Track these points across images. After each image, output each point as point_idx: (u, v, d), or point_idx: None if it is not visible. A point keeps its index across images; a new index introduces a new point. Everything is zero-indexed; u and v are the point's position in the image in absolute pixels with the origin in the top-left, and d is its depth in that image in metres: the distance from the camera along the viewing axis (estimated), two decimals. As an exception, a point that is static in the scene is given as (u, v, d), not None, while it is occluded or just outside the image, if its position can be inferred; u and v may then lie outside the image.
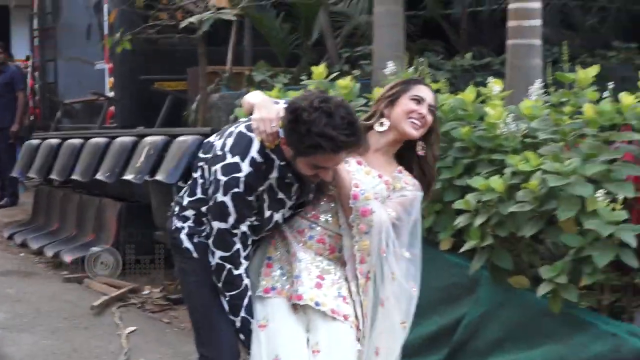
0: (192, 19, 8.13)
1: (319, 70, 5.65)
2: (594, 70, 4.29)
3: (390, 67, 5.45)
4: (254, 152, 3.22)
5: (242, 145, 3.24)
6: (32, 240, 9.41)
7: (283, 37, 9.94)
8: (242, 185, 3.19)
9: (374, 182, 3.43)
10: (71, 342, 6.09)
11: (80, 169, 8.68)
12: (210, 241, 3.31)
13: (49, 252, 8.71)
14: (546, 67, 4.99)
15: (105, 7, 9.98)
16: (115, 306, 6.97)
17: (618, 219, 3.73)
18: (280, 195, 3.32)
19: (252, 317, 3.33)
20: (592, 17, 11.02)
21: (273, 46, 9.62)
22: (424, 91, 3.53)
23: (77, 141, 9.17)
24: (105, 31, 9.94)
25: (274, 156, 3.24)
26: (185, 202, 3.43)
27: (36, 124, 12.73)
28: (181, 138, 7.11)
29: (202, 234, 3.38)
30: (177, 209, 3.47)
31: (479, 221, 4.14)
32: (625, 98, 4.06)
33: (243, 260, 3.29)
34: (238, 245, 3.28)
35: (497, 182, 4.08)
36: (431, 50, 9.69)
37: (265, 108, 3.27)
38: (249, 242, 3.32)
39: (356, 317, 3.36)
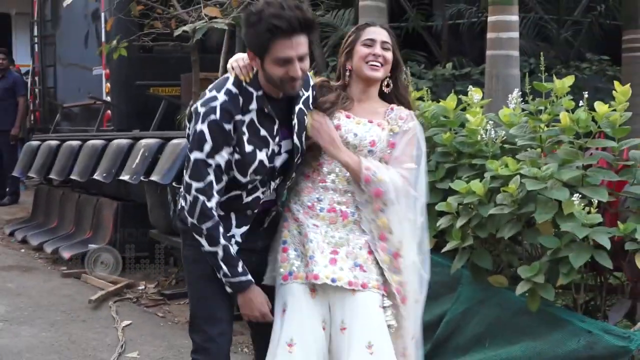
0: (186, 28, 8.08)
1: (308, 77, 5.62)
2: (569, 80, 4.28)
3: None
4: (229, 84, 3.25)
5: (218, 83, 3.30)
6: (32, 237, 9.35)
7: (273, 46, 9.89)
8: (218, 112, 3.18)
9: (366, 128, 3.43)
10: (69, 334, 6.06)
11: (79, 169, 8.67)
12: (186, 175, 3.26)
13: (49, 249, 8.65)
14: (524, 77, 4.99)
15: (103, 16, 9.95)
16: (111, 300, 6.94)
17: (593, 221, 3.73)
18: (263, 132, 3.27)
19: (230, 244, 3.27)
20: (567, 30, 11.07)
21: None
22: (373, 33, 3.50)
23: (75, 143, 9.16)
24: (103, 38, 9.91)
25: (251, 89, 3.25)
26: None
27: (36, 127, 12.66)
28: (175, 141, 7.12)
29: None
30: (182, 189, 3.42)
31: (460, 223, 4.12)
32: (600, 107, 4.05)
33: (215, 194, 3.24)
34: (211, 178, 3.22)
35: (477, 186, 4.06)
36: (414, 60, 9.69)
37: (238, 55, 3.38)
38: (223, 178, 3.25)
39: (378, 278, 3.33)
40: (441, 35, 10.69)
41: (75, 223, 9.22)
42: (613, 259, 3.75)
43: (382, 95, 3.58)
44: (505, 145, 4.39)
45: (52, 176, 9.45)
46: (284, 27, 3.06)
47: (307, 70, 3.29)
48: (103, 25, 9.88)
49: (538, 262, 3.86)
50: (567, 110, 4.13)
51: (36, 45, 12.48)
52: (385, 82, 3.54)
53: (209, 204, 3.23)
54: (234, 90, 3.24)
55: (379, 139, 3.43)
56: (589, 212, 3.73)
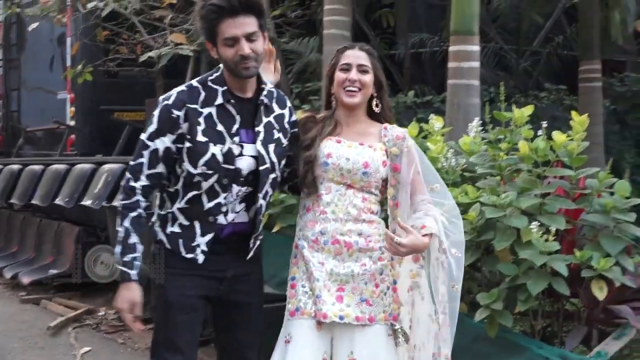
0: (151, 54, 8.07)
1: (272, 104, 5.62)
2: (528, 110, 4.32)
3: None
4: (194, 81, 3.32)
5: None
6: (-9, 263, 9.20)
7: (237, 72, 9.89)
8: (172, 99, 3.24)
9: (357, 151, 3.36)
10: (27, 361, 5.96)
11: (40, 193, 8.55)
12: None
13: (8, 274, 8.53)
14: (484, 105, 5.02)
15: (68, 40, 9.87)
16: (71, 327, 6.84)
17: (550, 249, 3.75)
18: (220, 127, 3.24)
19: (136, 234, 3.24)
20: (526, 60, 11.20)
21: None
22: (350, 57, 3.43)
23: (37, 167, 9.04)
24: (68, 63, 9.83)
25: (215, 85, 3.28)
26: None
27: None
28: (138, 166, 7.02)
29: (167, 221, 3.31)
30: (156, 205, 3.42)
31: (421, 249, 4.11)
32: (558, 136, 4.09)
33: (143, 177, 3.24)
34: (144, 160, 3.24)
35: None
36: (376, 87, 9.71)
37: None
38: (158, 166, 3.23)
39: (385, 309, 3.33)
40: (404, 63, 10.76)
41: (35, 248, 9.09)
42: (570, 285, 3.78)
43: (371, 114, 3.50)
44: (466, 173, 4.41)
45: (13, 200, 9.32)
46: (224, 5, 3.13)
47: (261, 52, 3.24)
48: (69, 50, 9.81)
49: (497, 288, 3.87)
50: (526, 139, 4.16)
51: (1, 68, 12.35)
52: (375, 103, 3.46)
53: (132, 184, 3.25)
54: (196, 84, 3.29)
55: (372, 160, 3.34)
56: (546, 240, 3.76)
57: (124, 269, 3.24)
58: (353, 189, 3.35)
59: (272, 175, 3.35)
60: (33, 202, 8.75)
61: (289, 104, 3.50)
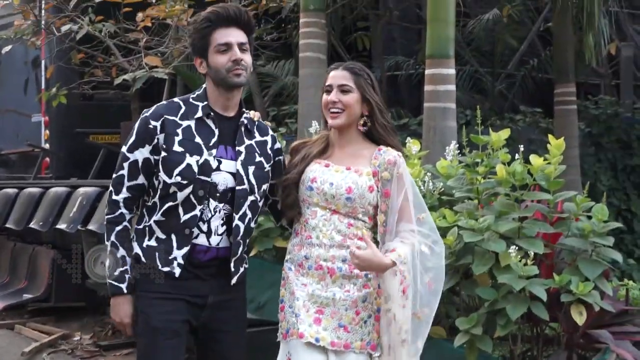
0: (126, 76, 8.02)
1: (248, 127, 5.59)
2: (505, 133, 4.31)
3: (315, 125, 5.43)
4: (176, 98, 3.39)
5: None
6: (-36, 287, 9.05)
7: (213, 95, 9.88)
8: (150, 111, 3.30)
9: (342, 176, 3.28)
10: (0, 388, 5.85)
11: (15, 217, 8.43)
12: None
13: (-19, 299, 8.38)
14: (460, 128, 5.01)
15: (43, 63, 9.81)
16: (45, 352, 6.73)
17: (529, 273, 3.74)
18: (198, 139, 3.26)
19: (122, 247, 3.28)
20: (501, 83, 11.26)
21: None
22: (331, 77, 3.35)
23: (12, 190, 8.92)
24: (42, 86, 9.77)
25: (197, 102, 3.32)
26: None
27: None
28: (114, 190, 6.96)
29: (145, 235, 3.30)
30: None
31: (399, 274, 4.08)
32: (535, 160, 4.08)
33: (125, 190, 3.29)
34: (124, 172, 3.28)
35: (416, 237, 4.04)
36: (352, 110, 9.71)
37: None
38: (139, 177, 3.28)
39: (364, 338, 3.25)
40: (380, 86, 10.77)
41: (10, 272, 8.95)
42: (549, 310, 3.77)
43: (369, 134, 3.38)
44: (443, 197, 4.39)
45: (-14, 224, 9.20)
46: (221, 12, 3.26)
47: (250, 65, 3.32)
48: (43, 73, 9.75)
49: (476, 313, 3.85)
50: (503, 163, 4.15)
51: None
52: (362, 122, 3.35)
53: (114, 197, 3.30)
54: (177, 100, 3.36)
55: (356, 185, 3.25)
56: (525, 264, 3.74)
57: (114, 283, 3.28)
58: (338, 214, 3.28)
59: (251, 198, 3.33)
60: (7, 225, 8.64)
61: (271, 132, 3.53)
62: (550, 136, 4.20)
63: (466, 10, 10.15)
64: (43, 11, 9.08)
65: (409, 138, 4.76)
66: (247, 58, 3.30)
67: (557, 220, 4.10)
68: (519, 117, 10.07)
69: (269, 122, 3.59)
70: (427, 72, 6.25)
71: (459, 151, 4.53)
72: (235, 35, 3.28)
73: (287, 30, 9.93)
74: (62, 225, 7.35)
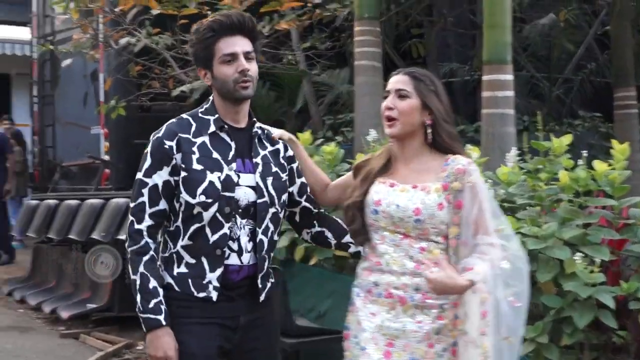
0: (183, 88, 8.10)
1: (305, 136, 5.62)
2: (567, 139, 4.27)
3: (373, 134, 5.42)
4: (185, 114, 3.21)
5: None
6: (30, 297, 9.22)
7: (269, 104, 9.96)
8: (162, 131, 3.12)
9: (408, 196, 2.98)
10: (66, 397, 5.94)
11: (77, 228, 8.59)
12: None
13: (47, 308, 8.54)
14: (519, 134, 4.96)
15: (101, 76, 9.95)
16: (109, 361, 6.82)
17: (595, 281, 3.68)
18: (215, 155, 3.10)
19: (153, 278, 3.02)
20: (558, 88, 11.13)
21: (259, 113, 9.48)
22: (391, 82, 3.09)
23: (74, 202, 9.09)
24: (101, 98, 9.90)
25: (207, 116, 3.16)
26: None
27: (35, 185, 12.64)
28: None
29: (173, 263, 3.12)
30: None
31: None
32: (599, 166, 4.03)
33: (147, 217, 3.07)
34: (144, 199, 3.07)
35: (478, 245, 4.00)
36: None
37: None
38: (161, 202, 3.07)
39: None
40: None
41: (73, 282, 9.10)
42: (617, 318, 3.70)
43: (435, 144, 3.06)
44: (505, 204, 4.34)
45: (50, 235, 9.36)
46: (225, 21, 3.09)
47: (256, 75, 3.15)
48: (102, 85, 9.88)
49: (541, 321, 3.79)
50: (566, 169, 4.10)
51: (35, 104, 12.49)
52: (427, 131, 3.03)
53: (137, 226, 3.08)
54: (186, 117, 3.19)
55: (424, 205, 2.95)
56: (591, 271, 3.68)
57: (150, 316, 3.03)
58: (409, 238, 2.98)
59: (272, 210, 3.19)
60: (70, 236, 8.79)
61: (274, 133, 3.34)
62: (613, 141, 4.14)
63: (522, 15, 10.06)
64: (101, 25, 9.21)
65: (467, 145, 4.73)
66: (254, 67, 3.14)
67: (622, 227, 4.03)
68: (578, 122, 9.96)
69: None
70: (484, 78, 6.19)
71: (519, 157, 4.48)
72: (241, 44, 3.11)
73: (341, 39, 9.94)
74: (123, 236, 7.45)
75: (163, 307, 3.04)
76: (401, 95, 3.02)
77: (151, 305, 3.03)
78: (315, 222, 3.39)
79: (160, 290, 3.05)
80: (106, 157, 9.99)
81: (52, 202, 9.74)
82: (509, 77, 6.15)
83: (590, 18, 11.21)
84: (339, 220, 3.38)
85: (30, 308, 9.03)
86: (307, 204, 3.38)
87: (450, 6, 11.04)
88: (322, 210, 3.44)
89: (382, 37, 8.18)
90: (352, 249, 3.35)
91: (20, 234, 10.54)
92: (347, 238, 3.31)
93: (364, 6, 7.51)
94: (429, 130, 3.03)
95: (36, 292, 9.41)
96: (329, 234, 3.39)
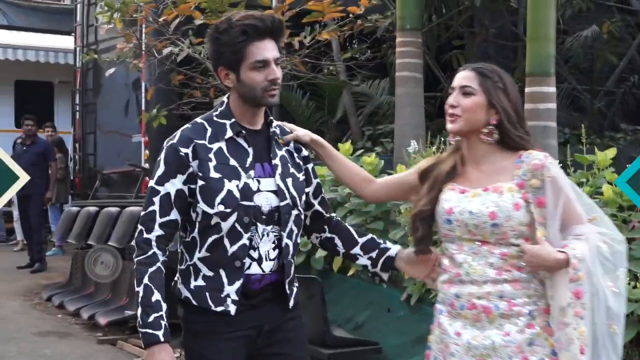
0: (224, 98, 8.13)
1: (346, 147, 5.64)
2: (611, 152, 4.22)
3: (414, 145, 5.41)
4: (198, 118, 3.08)
5: None
6: (69, 302, 9.30)
7: (309, 114, 10.00)
8: (177, 137, 2.98)
9: (481, 200, 2.82)
10: (104, 403, 5.97)
11: (117, 235, 8.66)
12: None
13: (85, 314, 8.61)
14: (563, 147, 4.91)
15: (144, 85, 10.04)
16: (146, 368, 6.84)
17: (638, 296, 3.62)
18: (233, 162, 2.97)
19: (157, 291, 2.88)
20: (600, 100, 11.03)
21: (299, 123, 9.60)
22: (456, 78, 2.93)
23: (114, 209, 9.18)
24: (143, 107, 9.99)
25: (222, 120, 3.02)
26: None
27: (75, 192, 12.78)
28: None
29: (190, 275, 3.01)
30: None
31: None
32: (643, 180, 3.96)
33: (157, 227, 2.94)
34: (155, 207, 2.94)
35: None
36: (448, 129, 9.66)
37: None
38: (172, 212, 2.94)
39: None
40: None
41: (111, 289, 9.18)
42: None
43: (504, 142, 2.89)
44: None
45: (90, 242, 9.45)
46: (259, 25, 2.94)
47: (281, 78, 3.03)
48: (143, 94, 9.97)
49: (583, 337, 3.73)
50: (610, 183, 4.05)
51: (77, 112, 12.64)
52: (486, 130, 2.87)
53: (145, 236, 2.96)
54: (200, 121, 3.05)
55: (499, 207, 2.78)
56: (634, 287, 3.63)
57: (149, 330, 2.89)
58: (488, 244, 2.82)
59: (295, 212, 3.07)
60: (110, 243, 8.87)
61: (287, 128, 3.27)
62: (658, 155, 4.09)
63: (564, 27, 9.99)
64: (144, 35, 9.31)
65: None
66: (280, 73, 3.01)
67: (666, 242, 3.97)
68: (620, 135, 9.85)
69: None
70: (527, 90, 6.16)
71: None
72: (271, 50, 2.96)
73: (381, 50, 9.94)
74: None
75: (163, 322, 2.91)
76: (465, 92, 2.88)
77: (151, 319, 2.90)
78: (326, 227, 3.28)
79: (164, 305, 2.92)
80: (147, 165, 10.08)
81: (92, 209, 9.84)
82: (552, 89, 6.13)
83: (634, 30, 11.11)
84: (352, 230, 3.29)
85: (68, 314, 9.10)
86: (319, 208, 3.26)
87: (491, 18, 11.00)
88: (334, 215, 3.35)
89: (423, 49, 8.17)
90: (360, 261, 3.24)
91: (60, 240, 10.64)
92: (357, 250, 3.22)
93: (406, 17, 7.52)
94: (492, 131, 2.87)
95: (75, 298, 9.49)
96: (338, 242, 3.27)
